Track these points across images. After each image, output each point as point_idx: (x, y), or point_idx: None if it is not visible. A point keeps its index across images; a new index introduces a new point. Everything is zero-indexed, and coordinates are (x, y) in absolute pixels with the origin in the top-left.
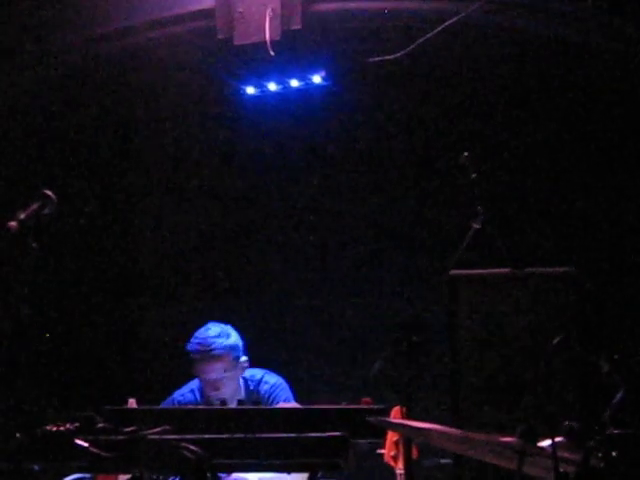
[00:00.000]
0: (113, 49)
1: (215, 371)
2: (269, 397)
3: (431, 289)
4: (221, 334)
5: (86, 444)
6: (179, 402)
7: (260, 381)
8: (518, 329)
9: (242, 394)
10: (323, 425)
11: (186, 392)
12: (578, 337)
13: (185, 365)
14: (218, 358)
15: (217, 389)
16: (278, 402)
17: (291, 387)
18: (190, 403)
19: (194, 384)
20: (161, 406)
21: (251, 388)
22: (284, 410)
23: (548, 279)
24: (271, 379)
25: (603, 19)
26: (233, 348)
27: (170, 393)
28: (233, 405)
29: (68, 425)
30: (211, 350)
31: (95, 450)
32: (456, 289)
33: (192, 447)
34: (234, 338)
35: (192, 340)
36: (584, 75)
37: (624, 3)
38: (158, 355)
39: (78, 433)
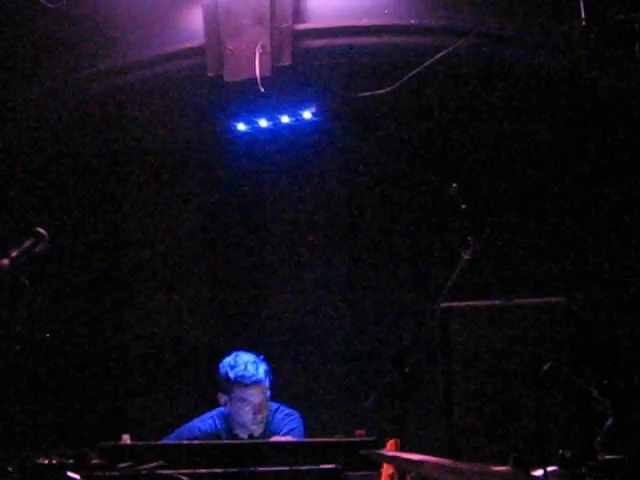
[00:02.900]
0: (103, 88)
1: (260, 395)
2: (280, 425)
3: (423, 321)
4: (257, 361)
5: (78, 477)
6: (199, 429)
7: (276, 411)
8: (510, 359)
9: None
10: (317, 458)
11: (207, 419)
12: (569, 365)
13: (178, 399)
14: (261, 382)
15: (261, 412)
16: (286, 430)
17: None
18: (210, 431)
19: (215, 413)
20: (177, 432)
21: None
22: (279, 443)
23: (539, 309)
24: (285, 410)
25: (591, 50)
26: (268, 373)
27: (173, 426)
28: (254, 430)
29: (60, 458)
30: (256, 375)
31: None
32: (448, 321)
33: (184, 478)
34: (265, 366)
35: (236, 368)
36: (573, 105)
37: (613, 35)
38: (151, 391)
39: (72, 469)
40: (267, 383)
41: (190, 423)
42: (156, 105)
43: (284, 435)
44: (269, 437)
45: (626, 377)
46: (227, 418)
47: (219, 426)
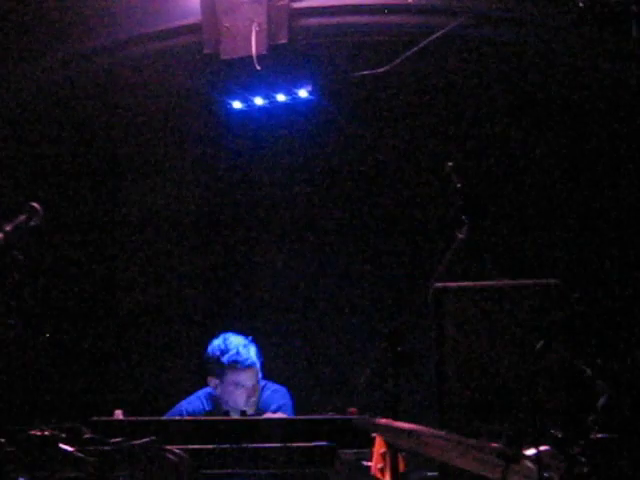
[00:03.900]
0: (99, 65)
1: (253, 378)
2: (269, 401)
3: (417, 300)
4: (247, 343)
5: (71, 449)
6: (187, 410)
7: (264, 388)
8: (504, 340)
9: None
10: (310, 435)
11: (194, 400)
12: (562, 344)
13: (169, 376)
14: (254, 365)
15: (254, 395)
16: (275, 406)
17: (292, 397)
18: (198, 411)
19: (202, 393)
20: (167, 415)
21: None
22: (271, 421)
23: (534, 290)
24: (272, 386)
25: (586, 31)
26: (259, 355)
27: (172, 403)
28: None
29: (53, 430)
30: (249, 358)
31: (80, 455)
32: (442, 301)
33: (176, 451)
34: (255, 348)
35: (228, 352)
36: (568, 86)
37: (609, 16)
38: (145, 367)
39: (65, 442)
40: (259, 365)
41: (177, 406)
42: (152, 82)
43: (274, 411)
44: (259, 414)
45: (619, 356)
46: (215, 398)
47: (207, 406)
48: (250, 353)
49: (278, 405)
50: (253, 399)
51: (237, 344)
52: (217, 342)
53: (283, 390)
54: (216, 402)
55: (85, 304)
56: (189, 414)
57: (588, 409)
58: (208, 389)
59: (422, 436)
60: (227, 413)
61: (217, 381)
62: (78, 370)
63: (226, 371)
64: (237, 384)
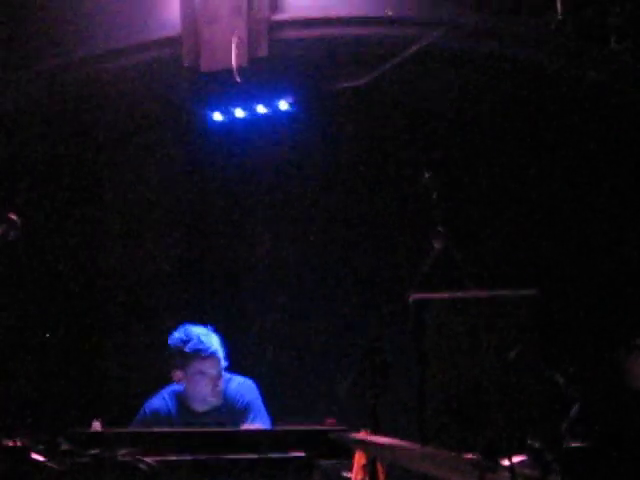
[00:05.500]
0: (79, 77)
1: (215, 367)
2: (236, 395)
3: (395, 311)
4: (208, 332)
5: (43, 459)
6: (150, 409)
7: (229, 380)
8: (483, 350)
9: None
10: (287, 446)
11: (157, 399)
12: (536, 353)
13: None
14: (216, 354)
15: (218, 385)
16: (245, 401)
17: (260, 390)
18: (162, 410)
19: (166, 392)
20: (136, 418)
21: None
22: (248, 432)
23: (511, 301)
24: (239, 378)
25: (566, 42)
26: (221, 345)
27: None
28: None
29: (25, 440)
30: (210, 347)
31: (51, 466)
32: (421, 312)
33: (147, 460)
34: (217, 337)
35: (190, 342)
36: (548, 98)
37: (588, 27)
38: (123, 376)
39: (40, 453)
40: (222, 354)
41: (145, 404)
42: (132, 95)
43: (244, 407)
44: (227, 407)
45: (592, 365)
46: (179, 396)
47: (171, 405)
48: (212, 341)
49: (247, 400)
50: (218, 389)
51: (198, 333)
52: (178, 334)
53: (249, 382)
54: (181, 400)
55: (64, 309)
56: (152, 412)
57: (561, 418)
58: (172, 387)
59: (399, 449)
60: (193, 413)
61: (181, 373)
62: (56, 376)
63: (189, 361)
64: (202, 373)
